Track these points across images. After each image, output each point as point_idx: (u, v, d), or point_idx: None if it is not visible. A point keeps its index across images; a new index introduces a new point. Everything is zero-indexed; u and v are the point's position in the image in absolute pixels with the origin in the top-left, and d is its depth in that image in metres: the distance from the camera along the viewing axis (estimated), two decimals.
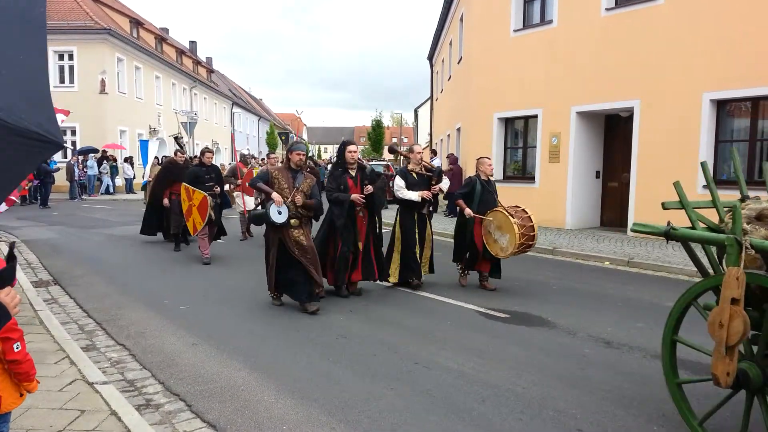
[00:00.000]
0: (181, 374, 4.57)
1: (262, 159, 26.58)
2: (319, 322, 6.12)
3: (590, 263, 9.70)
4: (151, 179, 13.73)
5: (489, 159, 7.87)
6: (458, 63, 19.27)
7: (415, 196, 7.38)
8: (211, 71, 47.85)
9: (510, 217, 7.04)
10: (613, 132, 13.51)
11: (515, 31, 14.64)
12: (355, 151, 7.13)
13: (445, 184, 7.77)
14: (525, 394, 4.21)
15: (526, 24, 14.65)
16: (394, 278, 7.52)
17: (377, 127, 67.18)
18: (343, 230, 6.91)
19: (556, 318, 6.22)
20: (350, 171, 7.10)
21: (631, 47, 11.89)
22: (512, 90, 14.55)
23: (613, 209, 13.51)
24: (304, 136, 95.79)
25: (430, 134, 30.55)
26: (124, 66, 29.30)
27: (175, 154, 11.48)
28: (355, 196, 6.88)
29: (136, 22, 32.99)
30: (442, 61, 25.00)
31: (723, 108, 10.96)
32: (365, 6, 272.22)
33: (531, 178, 14.44)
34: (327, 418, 3.79)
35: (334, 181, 7.01)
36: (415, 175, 7.56)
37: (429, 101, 33.29)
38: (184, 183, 9.46)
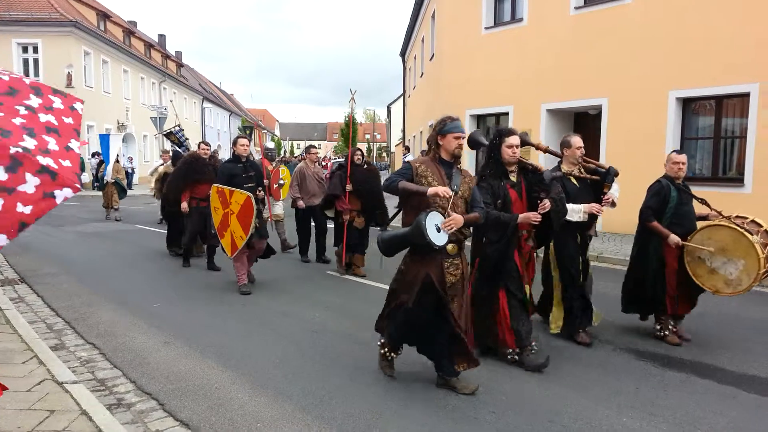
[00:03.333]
0: (153, 373, 4.51)
1: (293, 156, 25.83)
2: (294, 318, 6.10)
3: None
4: (154, 180, 11.73)
5: (683, 155, 5.52)
6: (430, 60, 19.35)
7: (579, 213, 5.11)
8: (180, 65, 47.11)
9: (746, 234, 4.88)
10: (583, 129, 13.68)
11: (486, 28, 14.75)
12: (517, 146, 4.71)
13: (615, 190, 5.31)
14: (498, 389, 4.27)
15: (497, 22, 14.78)
16: (555, 328, 5.41)
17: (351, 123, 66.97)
18: (501, 269, 4.65)
19: None
20: (510, 176, 4.77)
21: (600, 46, 12.08)
22: (484, 87, 14.66)
23: None
24: (276, 132, 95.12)
25: (403, 131, 30.60)
26: (91, 59, 28.69)
27: (199, 146, 8.90)
28: (525, 216, 4.58)
29: (103, 15, 32.31)
30: (415, 57, 25.05)
31: (688, 106, 11.22)
32: (336, 3, 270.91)
33: None
34: (302, 415, 3.79)
35: (488, 192, 4.63)
36: (574, 180, 5.28)
37: (402, 98, 33.33)
38: (216, 184, 7.13)
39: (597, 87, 12.20)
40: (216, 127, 53.46)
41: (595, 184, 5.27)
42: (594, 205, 5.13)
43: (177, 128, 12.71)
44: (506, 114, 14.41)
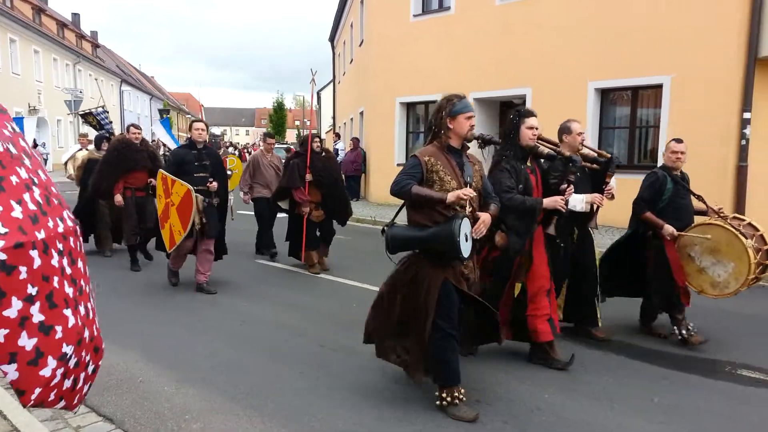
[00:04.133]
0: None
1: (247, 144, 24.18)
2: (222, 308, 5.98)
3: None
4: (75, 167, 9.92)
5: (682, 143, 5.07)
6: (360, 46, 19.27)
7: (581, 203, 4.71)
8: (96, 46, 44.74)
9: (741, 237, 4.70)
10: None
11: (414, 16, 14.84)
12: (537, 127, 4.27)
13: (613, 181, 4.96)
14: None
15: (425, 9, 14.89)
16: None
17: (279, 109, 65.96)
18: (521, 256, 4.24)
19: None
20: (527, 161, 4.33)
21: (524, 37, 12.41)
22: (413, 75, 14.76)
23: None
24: (201, 118, 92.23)
25: (334, 118, 30.39)
26: None
27: (128, 130, 7.94)
28: (553, 200, 4.17)
29: None
30: (344, 43, 24.87)
31: (607, 96, 11.75)
32: None
33: None
34: (231, 405, 3.73)
35: (512, 175, 4.15)
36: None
37: (332, 84, 33.04)
38: (162, 170, 6.53)
39: (521, 77, 12.54)
40: (136, 111, 51.12)
41: (594, 174, 4.89)
42: (596, 195, 4.74)
43: (100, 110, 11.70)
44: (435, 102, 14.57)
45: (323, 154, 7.67)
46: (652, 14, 10.55)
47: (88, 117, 11.71)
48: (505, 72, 12.84)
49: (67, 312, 1.83)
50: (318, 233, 7.63)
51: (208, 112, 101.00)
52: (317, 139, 7.57)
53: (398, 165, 14.58)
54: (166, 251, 6.68)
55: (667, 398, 3.93)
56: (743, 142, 9.56)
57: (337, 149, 18.89)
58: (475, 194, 3.54)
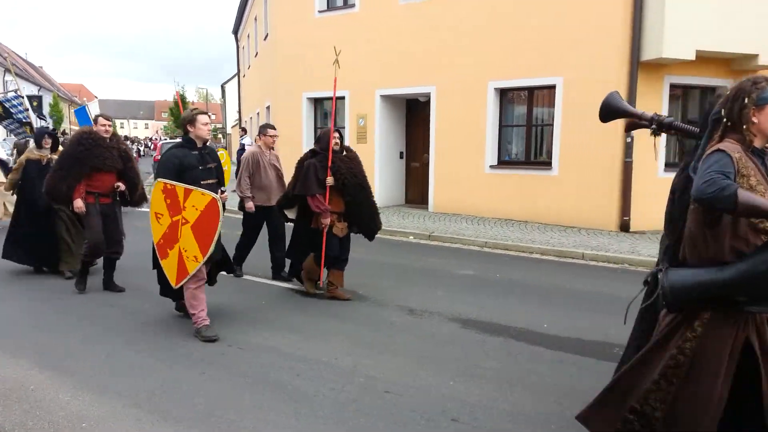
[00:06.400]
0: None
1: (146, 138, 21.95)
2: (119, 310, 5.72)
3: (396, 238, 10.30)
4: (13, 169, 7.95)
5: None
6: (264, 40, 18.94)
7: None
8: None
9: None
10: (414, 115, 14.39)
11: (320, 12, 14.78)
12: None
13: None
14: (337, 364, 4.39)
15: (330, 6, 14.87)
16: None
17: (181, 101, 63.38)
18: None
19: (366, 291, 6.52)
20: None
21: (428, 37, 12.69)
22: (319, 70, 14.63)
23: (415, 187, 14.48)
24: (95, 109, 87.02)
25: (239, 112, 29.67)
26: None
27: (96, 122, 6.45)
28: None
29: None
30: (248, 36, 24.34)
31: (505, 95, 12.28)
32: None
33: None
34: (133, 410, 3.59)
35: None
36: None
37: (236, 77, 32.24)
38: (165, 180, 4.93)
39: (425, 76, 12.82)
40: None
41: None
42: None
43: (11, 95, 9.28)
44: (342, 98, 14.62)
45: (344, 153, 6.28)
46: (546, 19, 11.13)
47: None
48: (409, 70, 13.08)
49: None
50: (339, 250, 6.24)
51: (103, 104, 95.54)
52: (337, 135, 6.21)
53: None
54: (172, 294, 5.35)
55: (563, 380, 4.20)
56: (628, 139, 10.30)
57: (244, 144, 18.49)
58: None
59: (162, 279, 5.24)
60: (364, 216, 6.22)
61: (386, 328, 5.33)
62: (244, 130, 21.77)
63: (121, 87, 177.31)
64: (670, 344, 2.56)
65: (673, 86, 10.78)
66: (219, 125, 67.54)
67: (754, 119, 2.49)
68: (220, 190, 5.12)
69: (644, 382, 2.60)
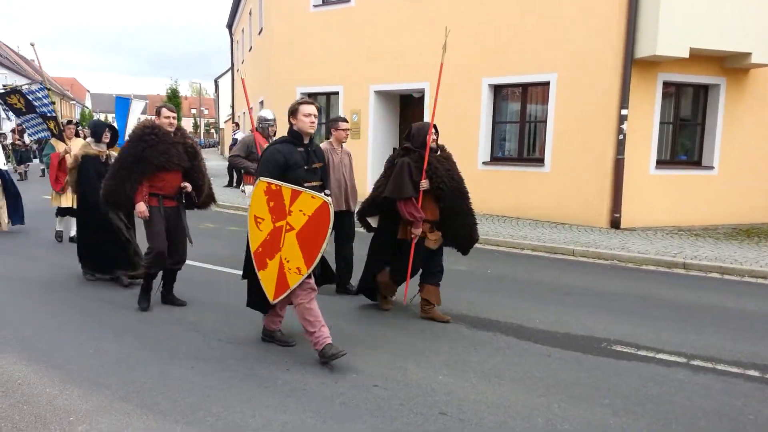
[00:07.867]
0: None
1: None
2: (109, 303, 5.69)
3: None
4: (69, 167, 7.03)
5: None
6: (259, 34, 18.87)
7: None
8: None
9: None
10: (408, 111, 14.38)
11: (315, 6, 14.74)
12: None
13: None
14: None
15: (326, 1, 14.83)
16: None
17: (174, 96, 63.12)
18: None
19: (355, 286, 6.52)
20: None
21: (422, 32, 12.66)
22: (314, 65, 14.67)
23: None
24: (88, 104, 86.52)
25: (233, 106, 29.58)
26: None
27: (159, 113, 5.47)
28: None
29: None
30: (242, 30, 24.25)
31: (499, 92, 12.29)
32: None
33: None
34: (121, 404, 3.58)
35: None
36: None
37: (230, 71, 32.12)
38: (267, 179, 4.31)
39: (419, 72, 12.81)
40: None
41: None
42: None
43: (36, 87, 8.40)
44: (336, 93, 14.60)
45: (438, 152, 5.54)
46: (541, 15, 11.14)
47: (9, 97, 8.29)
48: (404, 66, 13.07)
49: None
50: (431, 264, 5.50)
51: (95, 99, 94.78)
52: (433, 132, 5.42)
53: None
54: (262, 307, 4.67)
55: (550, 374, 4.23)
56: (621, 136, 10.34)
57: (236, 140, 18.43)
58: None
59: (253, 289, 4.63)
60: (460, 226, 5.37)
61: (376, 323, 5.34)
62: (237, 125, 21.72)
63: (112, 81, 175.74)
64: None
65: (666, 84, 10.83)
66: (212, 120, 67.31)
67: None
68: (324, 193, 4.45)
69: None
